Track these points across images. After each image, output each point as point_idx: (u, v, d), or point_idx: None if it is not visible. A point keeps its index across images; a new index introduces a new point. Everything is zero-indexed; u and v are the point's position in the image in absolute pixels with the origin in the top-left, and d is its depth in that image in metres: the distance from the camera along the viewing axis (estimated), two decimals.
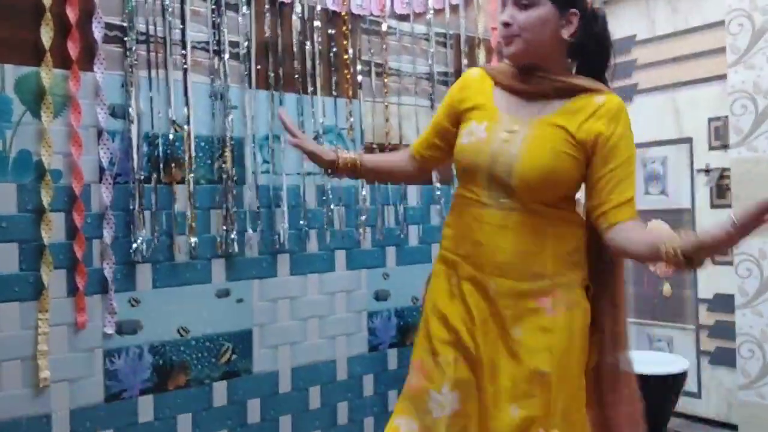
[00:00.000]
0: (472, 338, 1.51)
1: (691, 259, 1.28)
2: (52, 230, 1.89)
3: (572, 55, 1.52)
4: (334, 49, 2.49)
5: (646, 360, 2.75)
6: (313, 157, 1.71)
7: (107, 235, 1.97)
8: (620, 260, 1.59)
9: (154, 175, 2.07)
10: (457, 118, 1.60)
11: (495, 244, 1.49)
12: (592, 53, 1.51)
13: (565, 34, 1.45)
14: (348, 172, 1.71)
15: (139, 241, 2.02)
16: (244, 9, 2.26)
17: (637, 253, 1.43)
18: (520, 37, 1.44)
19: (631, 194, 1.44)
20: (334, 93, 2.49)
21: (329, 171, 1.72)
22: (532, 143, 1.45)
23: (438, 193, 2.75)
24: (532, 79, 1.49)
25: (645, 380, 2.57)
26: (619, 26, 3.26)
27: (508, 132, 1.47)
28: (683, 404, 2.89)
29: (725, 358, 2.82)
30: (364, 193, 2.55)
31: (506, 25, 1.45)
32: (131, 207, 2.02)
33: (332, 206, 2.46)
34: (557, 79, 1.48)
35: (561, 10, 1.43)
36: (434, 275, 1.65)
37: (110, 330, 1.99)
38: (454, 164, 1.60)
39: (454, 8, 2.84)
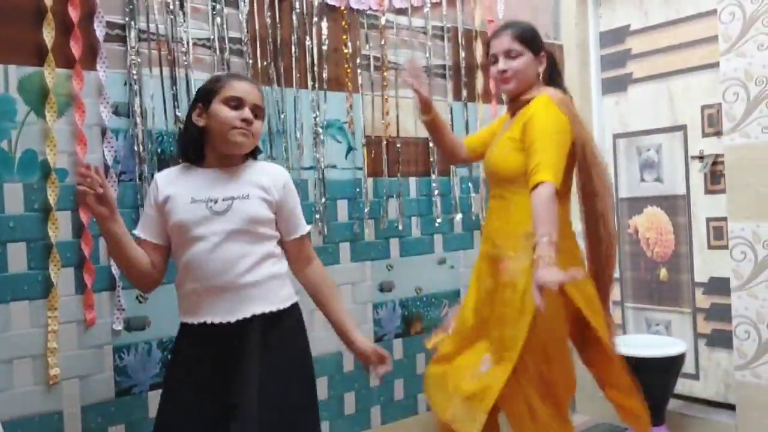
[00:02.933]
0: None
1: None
2: (59, 229, 1.90)
3: (543, 80, 2.05)
4: (333, 44, 2.50)
5: (645, 343, 2.80)
6: (423, 101, 2.08)
7: None
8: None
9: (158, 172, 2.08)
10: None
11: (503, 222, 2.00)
12: (552, 76, 2.09)
13: (540, 69, 2.04)
14: (432, 124, 2.14)
15: None
16: (244, 5, 2.28)
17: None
18: (514, 78, 2.00)
19: (538, 160, 1.81)
20: (334, 87, 2.50)
21: (424, 117, 2.13)
22: (496, 146, 2.04)
23: (434, 185, 2.78)
24: (515, 101, 2.05)
25: (644, 363, 2.63)
26: (613, 17, 3.29)
27: (496, 142, 2.06)
28: (682, 386, 2.94)
29: (722, 340, 2.87)
30: (366, 186, 2.57)
31: (504, 71, 2.00)
32: (136, 204, 2.04)
33: (335, 199, 2.48)
34: (525, 98, 2.01)
35: (535, 55, 2.02)
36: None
37: (119, 326, 2.01)
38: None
39: (451, 2, 2.86)
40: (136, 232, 1.67)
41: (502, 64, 2.01)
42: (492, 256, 1.99)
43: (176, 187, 1.65)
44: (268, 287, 1.65)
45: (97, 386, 1.97)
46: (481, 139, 2.21)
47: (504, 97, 2.22)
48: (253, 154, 1.74)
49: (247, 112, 1.62)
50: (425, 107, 2.11)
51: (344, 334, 1.78)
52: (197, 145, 1.67)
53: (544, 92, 1.97)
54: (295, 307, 1.73)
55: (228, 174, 1.66)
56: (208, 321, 1.60)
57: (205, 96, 1.65)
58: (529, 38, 2.03)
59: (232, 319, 1.60)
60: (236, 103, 1.62)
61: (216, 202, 1.62)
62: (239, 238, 1.61)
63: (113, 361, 2.01)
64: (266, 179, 1.68)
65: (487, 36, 2.96)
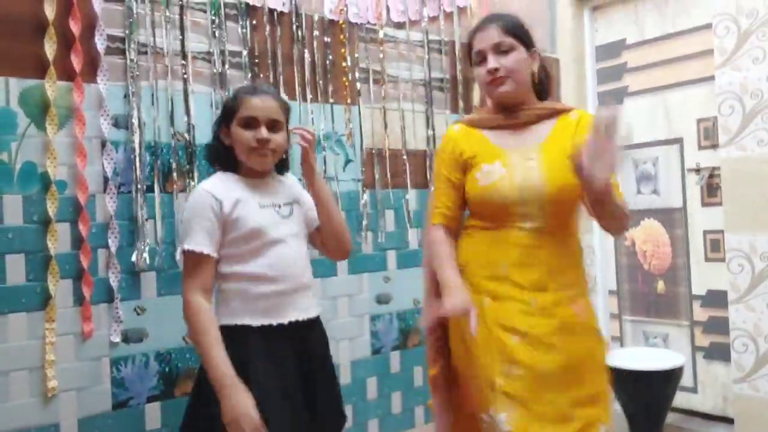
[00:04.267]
0: (511, 358, 1.61)
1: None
2: (58, 241, 1.90)
3: (533, 85, 1.73)
4: (332, 57, 2.52)
5: (643, 356, 2.80)
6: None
7: (112, 244, 1.99)
8: None
9: (158, 184, 2.10)
10: (464, 169, 1.72)
11: (531, 262, 1.62)
12: (542, 81, 1.74)
13: (534, 68, 1.70)
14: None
15: (143, 250, 2.04)
16: (244, 19, 2.30)
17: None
18: (510, 78, 1.65)
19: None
20: (333, 100, 2.52)
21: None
22: (551, 165, 1.61)
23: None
24: (517, 113, 1.69)
25: (642, 376, 2.63)
26: (609, 31, 3.32)
27: (525, 161, 1.64)
28: (680, 399, 2.94)
29: (720, 353, 2.87)
30: (364, 197, 2.58)
31: (495, 70, 1.64)
32: (135, 216, 2.04)
33: None
34: (539, 107, 1.70)
35: (528, 50, 1.68)
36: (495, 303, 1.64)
37: (116, 338, 2.01)
38: (471, 201, 1.71)
39: (449, 16, 2.89)
40: (201, 248, 1.60)
41: (492, 61, 1.65)
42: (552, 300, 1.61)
43: (237, 194, 1.66)
44: (313, 290, 1.80)
45: (95, 398, 1.96)
46: (455, 204, 1.74)
47: (489, 101, 1.79)
48: (284, 164, 1.80)
49: (262, 131, 1.65)
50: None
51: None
52: (231, 159, 1.72)
53: (577, 108, 1.73)
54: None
55: (273, 181, 1.76)
56: (293, 319, 1.67)
57: (227, 115, 1.70)
58: (519, 30, 1.69)
59: (310, 315, 1.73)
60: (251, 123, 1.65)
61: (280, 206, 1.71)
62: (301, 240, 1.75)
63: (110, 373, 2.00)
64: (297, 188, 1.82)
65: None
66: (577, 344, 1.62)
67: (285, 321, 1.65)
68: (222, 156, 1.73)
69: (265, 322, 1.64)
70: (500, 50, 1.65)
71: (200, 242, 1.61)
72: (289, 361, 1.65)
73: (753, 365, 2.60)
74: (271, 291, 1.64)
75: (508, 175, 1.63)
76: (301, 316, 1.69)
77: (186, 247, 1.61)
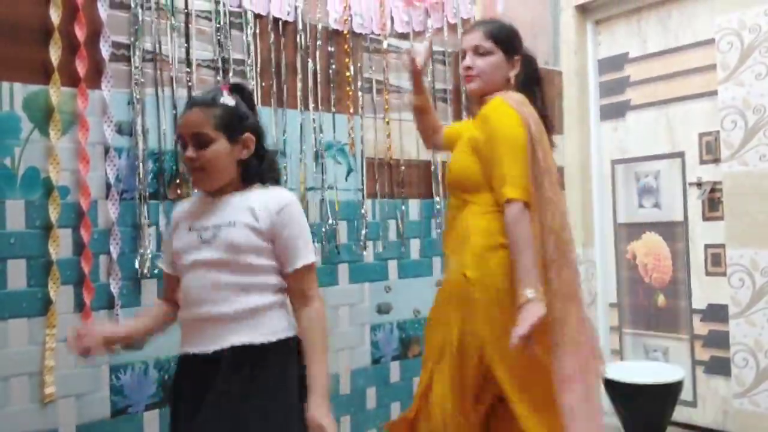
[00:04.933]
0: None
1: None
2: (60, 246, 1.90)
3: (515, 85, 1.91)
4: (336, 67, 2.53)
5: (643, 369, 2.79)
6: (417, 84, 2.03)
7: (114, 250, 1.99)
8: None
9: (160, 191, 2.10)
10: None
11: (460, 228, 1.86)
12: (526, 83, 1.93)
13: (512, 74, 1.90)
14: (421, 108, 2.09)
15: (144, 257, 2.04)
16: (249, 28, 2.31)
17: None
18: (479, 78, 1.88)
19: (502, 172, 1.74)
20: (336, 109, 2.53)
21: (416, 100, 2.08)
22: (459, 150, 1.90)
23: (438, 207, 2.80)
24: (477, 102, 1.95)
25: (641, 390, 2.62)
26: (612, 45, 3.33)
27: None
28: (679, 413, 2.93)
29: (720, 368, 2.86)
30: (365, 207, 2.58)
31: (468, 68, 1.88)
32: (137, 223, 2.04)
33: (335, 220, 2.49)
34: (483, 100, 1.91)
35: (508, 57, 1.88)
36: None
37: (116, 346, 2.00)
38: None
39: (452, 27, 2.90)
40: (162, 266, 1.66)
41: (468, 60, 1.89)
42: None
43: (182, 215, 1.63)
44: (249, 319, 1.52)
45: (93, 405, 1.95)
46: (458, 132, 1.99)
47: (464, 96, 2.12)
48: (260, 178, 1.60)
49: (188, 150, 1.52)
50: (418, 89, 2.04)
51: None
52: None
53: (498, 95, 1.85)
54: (285, 342, 1.55)
55: (223, 201, 1.57)
56: (190, 351, 1.54)
57: None
58: (502, 37, 1.89)
59: (209, 350, 1.50)
60: (181, 142, 1.56)
61: (206, 230, 1.55)
62: (221, 267, 1.52)
63: (110, 380, 1.99)
64: (258, 205, 1.55)
65: None
66: None
67: (184, 351, 1.56)
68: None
69: (182, 350, 1.57)
70: (479, 52, 1.88)
71: (163, 258, 1.67)
72: (183, 396, 1.55)
73: (753, 380, 2.60)
74: (183, 317, 1.57)
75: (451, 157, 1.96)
76: (204, 349, 1.51)
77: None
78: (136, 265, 2.03)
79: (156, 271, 2.05)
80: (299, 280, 1.57)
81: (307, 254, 1.58)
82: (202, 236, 1.54)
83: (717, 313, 2.87)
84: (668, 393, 2.69)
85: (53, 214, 1.89)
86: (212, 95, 1.56)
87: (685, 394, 2.91)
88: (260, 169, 1.60)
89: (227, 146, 1.53)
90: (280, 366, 1.53)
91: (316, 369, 1.53)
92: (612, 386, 2.72)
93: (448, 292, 1.86)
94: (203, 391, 1.48)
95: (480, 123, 1.84)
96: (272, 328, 1.53)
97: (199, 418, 1.46)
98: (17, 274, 1.85)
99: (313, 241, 2.36)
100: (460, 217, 1.85)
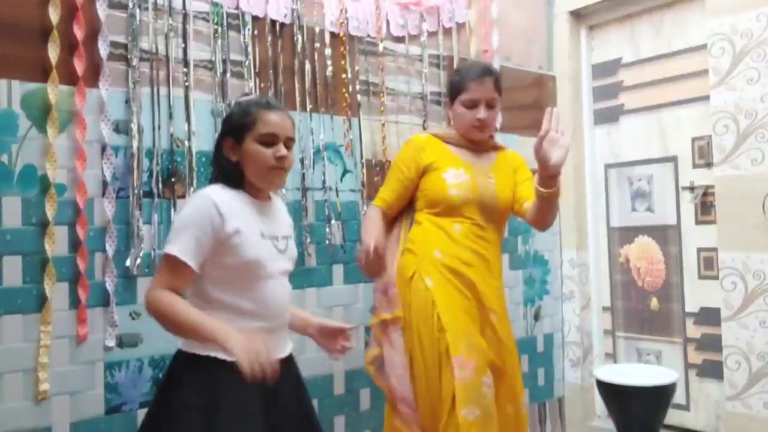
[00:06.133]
0: (482, 331, 2.10)
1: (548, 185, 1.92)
2: (56, 243, 1.91)
3: None
4: (333, 69, 2.55)
5: (636, 372, 2.80)
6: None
7: (109, 248, 2.00)
8: None
9: (156, 190, 2.10)
10: (421, 171, 2.17)
11: (491, 254, 2.16)
12: None
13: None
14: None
15: (140, 255, 2.04)
16: (246, 29, 2.32)
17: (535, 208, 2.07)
18: (488, 128, 2.17)
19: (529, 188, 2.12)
20: (332, 111, 2.54)
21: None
22: (501, 186, 2.19)
23: None
24: (478, 143, 2.22)
25: (635, 392, 2.63)
26: (605, 50, 3.37)
27: (484, 177, 2.17)
28: (672, 416, 2.94)
29: (712, 371, 2.88)
30: (363, 208, 2.59)
31: (483, 120, 2.12)
32: (128, 220, 2.05)
33: (331, 221, 2.50)
34: (491, 142, 2.28)
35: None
36: (439, 282, 2.08)
37: (111, 343, 2.01)
38: (433, 197, 2.14)
39: (447, 31, 2.93)
40: (180, 255, 1.50)
41: (483, 113, 2.10)
42: (488, 287, 2.14)
43: (241, 218, 1.56)
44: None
45: (87, 403, 1.95)
46: (398, 195, 2.20)
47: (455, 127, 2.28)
48: None
49: (281, 149, 1.58)
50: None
51: (305, 320, 1.83)
52: (237, 177, 1.62)
53: (510, 149, 2.32)
54: None
55: (272, 208, 1.69)
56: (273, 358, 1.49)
57: (237, 130, 1.60)
58: (500, 86, 2.17)
59: (284, 355, 1.64)
60: (271, 140, 1.58)
61: (278, 240, 1.63)
62: (288, 277, 1.69)
63: (104, 377, 1.99)
64: (288, 217, 1.77)
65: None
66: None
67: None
68: (230, 173, 1.62)
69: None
70: (491, 105, 2.12)
71: (187, 252, 1.50)
72: (256, 404, 1.52)
73: (746, 383, 2.61)
74: (254, 327, 1.54)
75: (472, 181, 2.13)
76: (281, 353, 1.60)
77: (170, 251, 1.51)
78: (129, 263, 2.03)
79: (151, 269, 2.06)
80: None
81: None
82: (277, 246, 1.63)
83: (709, 316, 2.89)
84: (661, 395, 2.70)
85: (49, 212, 1.90)
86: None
87: (678, 398, 2.92)
88: None
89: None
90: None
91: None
92: (605, 388, 2.74)
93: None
94: (272, 399, 1.55)
95: (518, 165, 2.28)
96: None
97: (286, 411, 1.60)
98: (13, 271, 1.85)
99: (310, 242, 2.41)
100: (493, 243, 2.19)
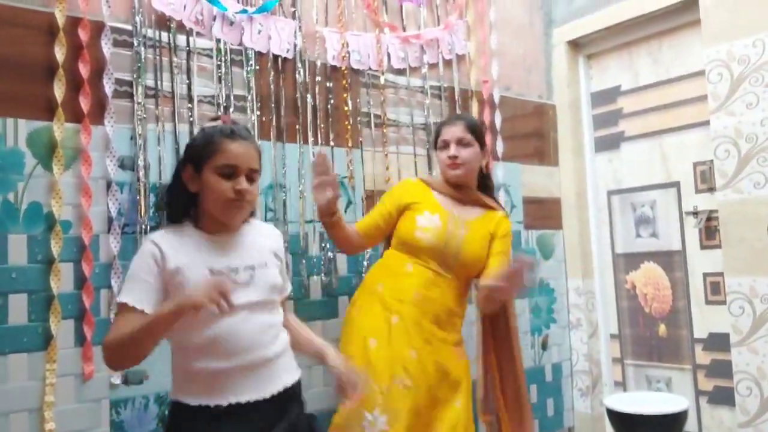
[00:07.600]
0: (407, 370, 2.07)
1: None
2: (61, 280, 1.91)
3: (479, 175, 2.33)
4: (334, 102, 2.57)
5: (646, 400, 2.76)
6: (331, 203, 2.07)
7: (115, 284, 1.99)
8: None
9: (161, 225, 2.11)
10: (401, 209, 2.25)
11: (439, 299, 2.18)
12: (488, 177, 2.42)
13: (483, 163, 2.34)
14: (334, 223, 2.13)
15: None
16: (249, 65, 2.35)
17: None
18: (463, 166, 2.23)
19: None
20: (334, 143, 2.56)
21: (328, 219, 2.12)
22: (471, 242, 2.21)
23: None
24: (463, 192, 2.29)
25: (646, 421, 2.59)
26: (604, 78, 3.40)
27: (456, 227, 2.21)
28: None
29: (724, 397, 2.84)
30: None
31: (454, 157, 2.21)
32: None
33: (334, 253, 2.50)
34: (478, 196, 2.32)
35: (481, 148, 2.27)
36: (367, 312, 2.17)
37: (117, 380, 1.99)
38: (402, 235, 2.22)
39: (448, 63, 2.96)
40: (130, 302, 1.44)
41: (453, 150, 2.21)
42: (430, 330, 2.15)
43: (185, 255, 1.49)
44: (287, 356, 1.59)
45: None
46: (375, 223, 2.25)
47: (439, 176, 2.38)
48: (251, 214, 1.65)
49: (241, 182, 1.50)
50: (331, 209, 2.07)
51: (319, 353, 1.72)
52: (191, 208, 1.56)
53: (500, 210, 2.34)
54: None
55: (237, 238, 1.57)
56: (243, 400, 1.46)
57: (197, 159, 1.52)
58: (478, 131, 2.27)
59: (268, 395, 1.50)
60: (230, 172, 1.49)
61: (237, 271, 1.51)
62: (262, 308, 1.53)
63: (110, 416, 1.97)
64: (273, 243, 1.64)
65: (482, 96, 3.06)
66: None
67: (233, 401, 1.46)
68: (183, 203, 1.55)
69: (208, 402, 1.45)
70: (462, 143, 2.21)
71: (138, 298, 1.44)
72: None
73: (758, 409, 2.58)
74: (212, 368, 1.46)
75: (442, 228, 2.19)
76: (259, 395, 1.49)
77: (122, 299, 1.45)
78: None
79: None
80: (286, 302, 1.72)
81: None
82: (236, 279, 1.50)
83: (718, 341, 2.86)
84: (673, 424, 2.66)
85: (55, 249, 1.90)
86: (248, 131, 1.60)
87: (690, 425, 2.87)
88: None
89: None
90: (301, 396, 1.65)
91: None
92: (616, 417, 2.70)
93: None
94: None
95: (500, 232, 2.28)
96: (295, 362, 1.64)
97: None
98: (18, 309, 1.85)
99: (313, 274, 2.41)
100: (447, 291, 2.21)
